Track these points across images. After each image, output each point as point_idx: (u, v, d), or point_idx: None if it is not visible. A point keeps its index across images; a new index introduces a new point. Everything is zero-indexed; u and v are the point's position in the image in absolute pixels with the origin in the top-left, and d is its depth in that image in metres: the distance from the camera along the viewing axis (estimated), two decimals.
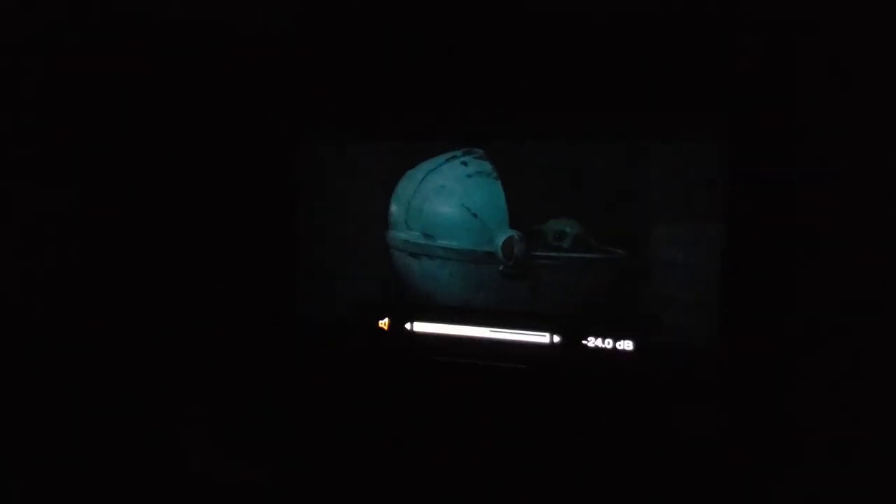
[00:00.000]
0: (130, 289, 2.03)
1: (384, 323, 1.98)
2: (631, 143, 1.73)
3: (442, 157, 1.92)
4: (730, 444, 1.66)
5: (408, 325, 1.95)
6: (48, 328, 1.90)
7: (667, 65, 1.65)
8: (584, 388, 1.79)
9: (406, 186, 1.95)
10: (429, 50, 1.78)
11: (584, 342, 1.79)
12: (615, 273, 1.74)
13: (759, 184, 1.59)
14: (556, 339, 1.82)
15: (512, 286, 1.83)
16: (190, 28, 1.94)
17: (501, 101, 1.79)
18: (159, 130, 2.04)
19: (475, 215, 1.88)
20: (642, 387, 1.74)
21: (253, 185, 2.06)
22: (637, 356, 1.75)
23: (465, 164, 1.90)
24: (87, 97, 1.97)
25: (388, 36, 1.81)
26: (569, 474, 1.77)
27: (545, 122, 1.80)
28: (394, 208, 1.96)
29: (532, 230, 1.82)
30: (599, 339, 1.78)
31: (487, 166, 1.87)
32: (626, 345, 1.76)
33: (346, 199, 1.99)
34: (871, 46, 1.40)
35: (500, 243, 1.84)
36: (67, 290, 1.94)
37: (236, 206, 2.07)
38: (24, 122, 1.85)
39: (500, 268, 1.84)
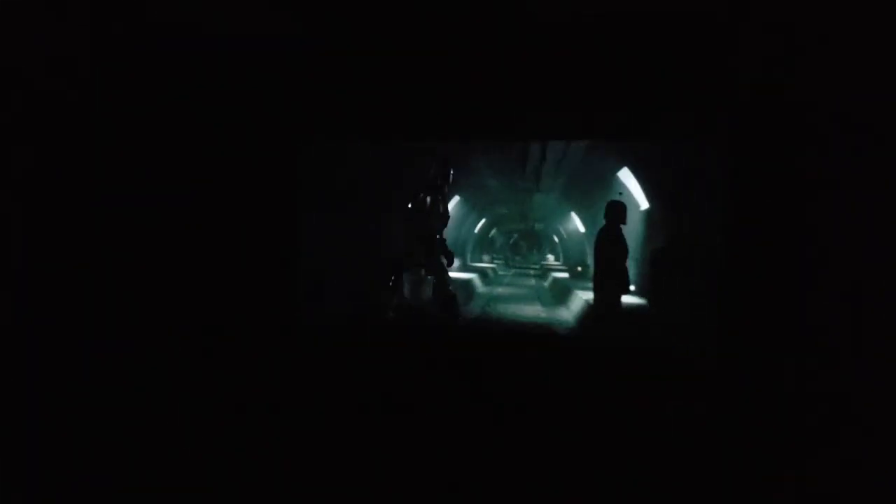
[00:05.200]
0: (132, 291, 2.03)
1: (384, 323, 1.98)
2: (630, 142, 1.73)
3: None
4: (729, 442, 1.66)
5: (408, 325, 1.95)
6: (47, 329, 1.90)
7: (666, 64, 1.63)
8: (585, 387, 1.79)
9: None
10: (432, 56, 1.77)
11: (584, 341, 1.80)
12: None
13: (759, 184, 1.58)
14: (559, 335, 1.82)
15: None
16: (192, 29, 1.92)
17: (509, 102, 1.78)
18: (159, 132, 2.03)
19: None
20: (642, 386, 1.74)
21: (253, 186, 2.05)
22: (637, 356, 1.75)
23: None
24: (89, 97, 1.95)
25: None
26: (569, 472, 1.78)
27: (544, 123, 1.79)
28: None
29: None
30: (600, 339, 1.78)
31: None
32: (626, 345, 1.76)
33: (346, 199, 1.98)
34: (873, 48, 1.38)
35: None
36: (68, 290, 1.93)
37: (237, 208, 2.06)
38: (27, 123, 1.84)
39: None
